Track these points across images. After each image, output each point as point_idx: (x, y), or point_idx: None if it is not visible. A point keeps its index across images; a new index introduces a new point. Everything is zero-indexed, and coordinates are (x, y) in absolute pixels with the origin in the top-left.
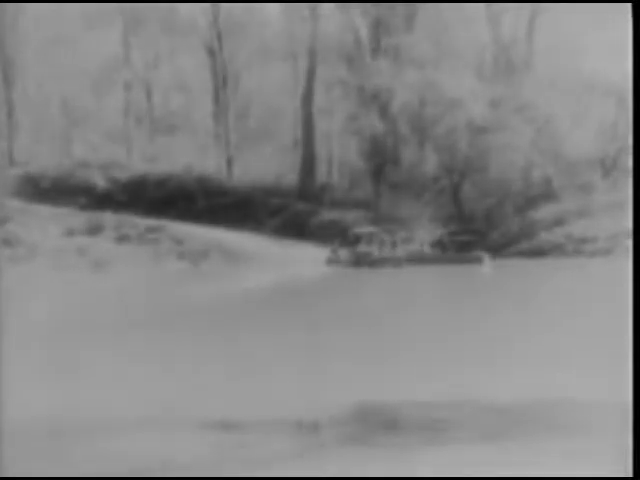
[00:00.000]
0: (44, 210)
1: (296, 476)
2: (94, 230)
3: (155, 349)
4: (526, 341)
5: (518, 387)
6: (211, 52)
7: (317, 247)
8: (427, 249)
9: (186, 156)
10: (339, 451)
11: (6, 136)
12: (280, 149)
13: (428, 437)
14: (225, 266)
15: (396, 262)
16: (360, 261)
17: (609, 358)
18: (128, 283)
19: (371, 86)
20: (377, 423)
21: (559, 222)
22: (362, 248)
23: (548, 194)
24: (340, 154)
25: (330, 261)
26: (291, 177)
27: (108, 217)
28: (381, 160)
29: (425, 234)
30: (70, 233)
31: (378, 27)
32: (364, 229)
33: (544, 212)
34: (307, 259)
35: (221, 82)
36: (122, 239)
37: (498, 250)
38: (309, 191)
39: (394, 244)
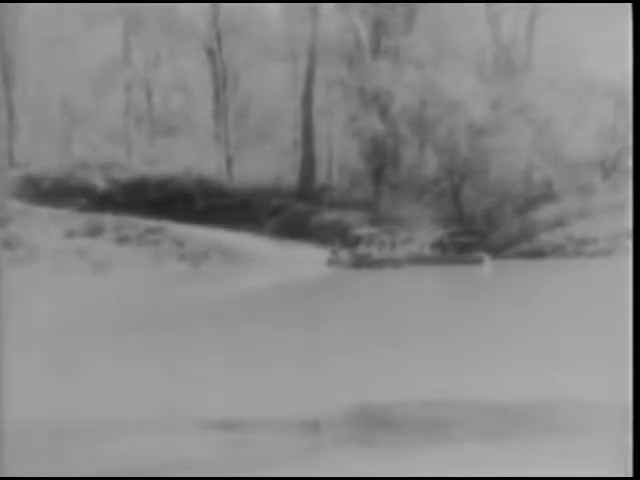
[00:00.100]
0: (44, 211)
1: (296, 476)
2: (94, 231)
3: (155, 350)
4: (526, 341)
5: (518, 387)
6: (211, 52)
7: (317, 248)
8: (427, 250)
9: (186, 157)
10: (339, 451)
11: (6, 136)
12: (280, 150)
13: (428, 437)
14: (225, 267)
15: (396, 263)
16: (360, 262)
17: (609, 358)
18: (128, 284)
19: (371, 87)
20: (377, 423)
21: (559, 223)
22: (362, 249)
23: (548, 195)
24: (340, 155)
25: (330, 262)
26: (291, 178)
27: (108, 218)
28: (381, 161)
29: (425, 235)
30: (70, 234)
31: (378, 27)
32: (364, 230)
33: (544, 213)
34: (307, 260)
35: (221, 82)
36: (122, 240)
37: (498, 251)
38: (309, 192)
39: (394, 245)
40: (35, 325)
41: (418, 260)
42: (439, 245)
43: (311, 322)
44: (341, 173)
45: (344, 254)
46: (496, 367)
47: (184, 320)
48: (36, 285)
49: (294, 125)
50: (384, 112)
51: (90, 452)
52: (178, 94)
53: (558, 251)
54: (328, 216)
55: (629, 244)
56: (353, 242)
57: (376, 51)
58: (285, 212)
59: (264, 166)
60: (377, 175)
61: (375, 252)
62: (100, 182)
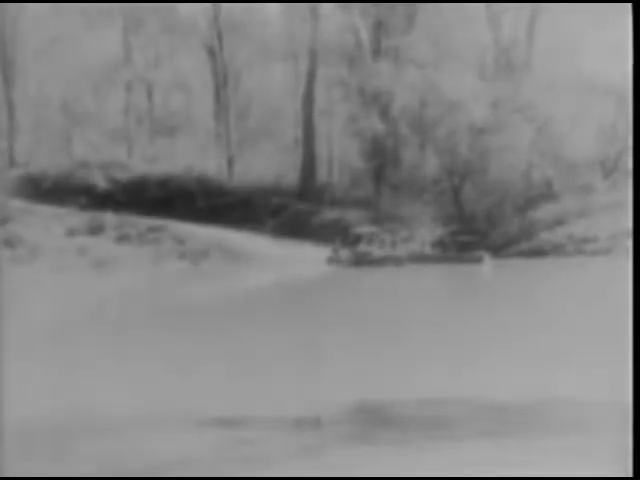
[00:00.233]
0: (45, 210)
1: (296, 475)
2: (95, 230)
3: (156, 348)
4: (526, 340)
5: (518, 386)
6: (211, 52)
7: (317, 247)
8: (427, 249)
9: (186, 156)
10: (339, 449)
11: (6, 136)
12: (281, 149)
13: (428, 435)
14: (226, 266)
15: (397, 261)
16: (361, 261)
17: (609, 357)
18: (129, 283)
19: (372, 87)
20: (377, 421)
21: (559, 222)
22: (363, 248)
23: (548, 195)
24: (340, 154)
25: (331, 260)
26: (291, 177)
27: (109, 217)
28: (382, 161)
29: (426, 234)
30: (71, 233)
31: (378, 28)
32: (365, 229)
33: (544, 212)
34: (307, 259)
35: (221, 82)
36: (123, 239)
37: (498, 250)
38: (309, 191)
39: (394, 244)
40: (35, 324)
41: (418, 259)
42: (439, 244)
43: (311, 320)
44: (342, 172)
45: (345, 253)
46: (496, 366)
47: (184, 319)
48: (37, 284)
49: (295, 124)
50: (384, 112)
51: (90, 451)
52: (179, 93)
53: (558, 250)
54: (329, 215)
55: (629, 243)
56: (354, 241)
57: (376, 51)
58: (286, 211)
59: (265, 165)
60: (378, 174)
61: (376, 251)
62: (101, 181)
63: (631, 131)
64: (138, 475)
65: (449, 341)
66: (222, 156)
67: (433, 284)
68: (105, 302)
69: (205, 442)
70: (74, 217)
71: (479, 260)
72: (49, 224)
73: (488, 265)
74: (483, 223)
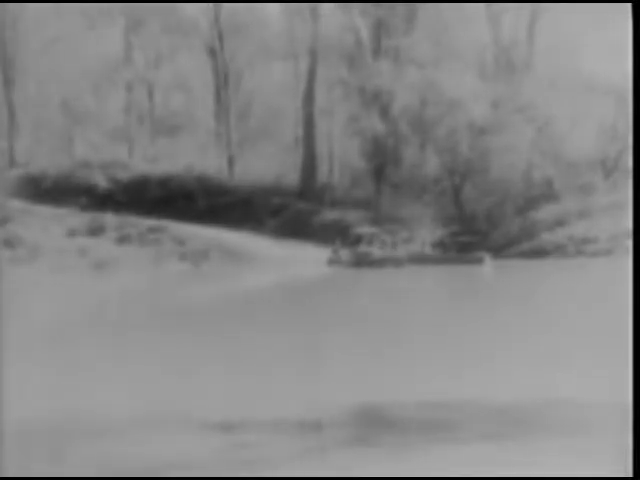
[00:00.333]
0: (45, 211)
1: (297, 476)
2: (95, 231)
3: (156, 350)
4: (526, 341)
5: (518, 387)
6: (212, 52)
7: (318, 247)
8: (428, 249)
9: (187, 156)
10: (340, 451)
11: (6, 136)
12: (281, 149)
13: (429, 437)
14: (226, 266)
15: (397, 262)
16: (361, 261)
17: (609, 358)
18: (129, 284)
19: (372, 87)
20: (377, 423)
21: (560, 223)
22: (363, 248)
23: (549, 195)
24: (341, 154)
25: (331, 261)
26: (292, 177)
27: (109, 218)
28: (382, 161)
29: (426, 234)
30: (71, 234)
31: (379, 27)
32: (365, 229)
33: (545, 213)
34: (308, 259)
35: (222, 82)
36: (123, 240)
37: (499, 250)
38: (310, 191)
39: (395, 244)
40: (35, 325)
41: (419, 259)
42: (440, 244)
43: (312, 321)
44: (342, 172)
45: (345, 253)
46: (496, 367)
47: (185, 320)
48: (37, 284)
49: (295, 124)
50: (385, 112)
51: (90, 452)
52: (179, 93)
53: (559, 250)
54: (329, 215)
55: (629, 244)
56: (354, 241)
57: (377, 51)
58: (286, 211)
59: (265, 165)
60: (378, 174)
61: (376, 251)
62: (101, 181)
63: (631, 131)
64: (137, 476)
65: (450, 342)
66: (223, 156)
67: (433, 285)
68: (105, 303)
69: (205, 444)
70: (74, 217)
71: (480, 261)
72: (49, 224)
73: (489, 266)
74: (483, 223)
